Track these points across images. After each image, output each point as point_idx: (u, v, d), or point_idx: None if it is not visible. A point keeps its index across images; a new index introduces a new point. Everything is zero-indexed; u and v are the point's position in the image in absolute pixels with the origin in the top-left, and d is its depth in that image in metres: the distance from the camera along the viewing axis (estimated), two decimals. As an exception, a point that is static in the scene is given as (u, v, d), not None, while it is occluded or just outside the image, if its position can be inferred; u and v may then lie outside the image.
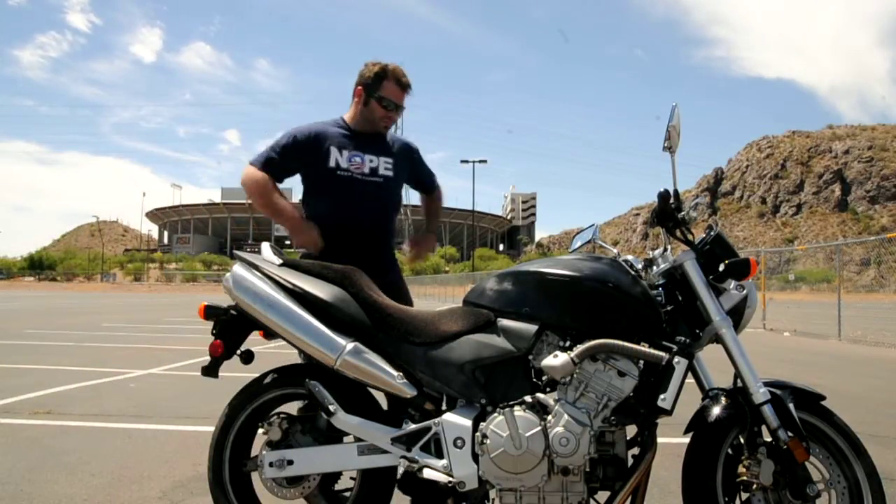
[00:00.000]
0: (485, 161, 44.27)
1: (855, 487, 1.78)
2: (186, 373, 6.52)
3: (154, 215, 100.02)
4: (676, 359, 1.73)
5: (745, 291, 1.85)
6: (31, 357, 7.39)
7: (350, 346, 1.87)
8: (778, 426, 1.74)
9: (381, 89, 2.45)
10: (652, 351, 1.75)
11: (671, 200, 1.94)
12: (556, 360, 1.75)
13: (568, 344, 1.81)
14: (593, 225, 2.24)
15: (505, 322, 1.86)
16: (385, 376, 1.86)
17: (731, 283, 1.86)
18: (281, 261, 2.06)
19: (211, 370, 2.07)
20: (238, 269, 2.04)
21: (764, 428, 1.78)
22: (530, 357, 1.83)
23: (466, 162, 44.16)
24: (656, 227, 2.00)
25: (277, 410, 2.04)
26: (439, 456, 1.81)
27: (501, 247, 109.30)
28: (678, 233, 1.97)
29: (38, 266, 76.87)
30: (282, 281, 1.98)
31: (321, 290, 1.96)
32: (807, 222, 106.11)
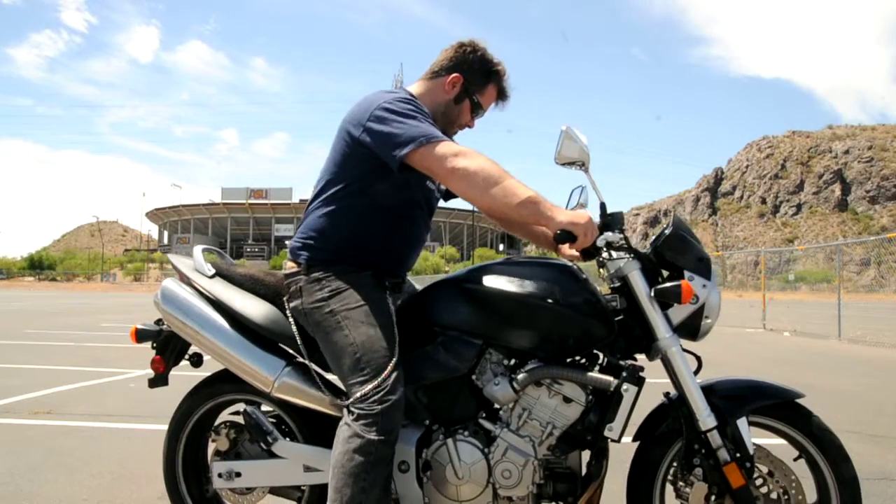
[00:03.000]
0: (485, 161, 44.11)
1: (824, 495, 1.70)
2: (186, 373, 6.49)
3: (154, 215, 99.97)
4: (625, 386, 1.62)
5: (697, 304, 1.66)
6: (31, 357, 7.39)
7: (286, 367, 1.79)
8: (717, 449, 1.65)
9: (483, 92, 1.89)
10: (599, 377, 1.65)
11: (607, 212, 1.75)
12: (496, 387, 1.68)
13: (513, 363, 1.71)
14: (581, 187, 1.93)
15: (446, 338, 1.73)
16: (324, 398, 1.75)
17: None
18: (213, 271, 1.95)
19: (157, 382, 2.06)
20: (168, 284, 1.96)
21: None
22: (473, 377, 1.72)
23: (466, 162, 43.97)
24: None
25: (235, 409, 2.00)
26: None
27: (501, 247, 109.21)
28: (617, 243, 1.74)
29: (38, 266, 76.86)
30: (212, 297, 1.89)
31: (253, 307, 1.85)
32: (807, 222, 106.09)
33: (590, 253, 1.74)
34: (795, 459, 1.76)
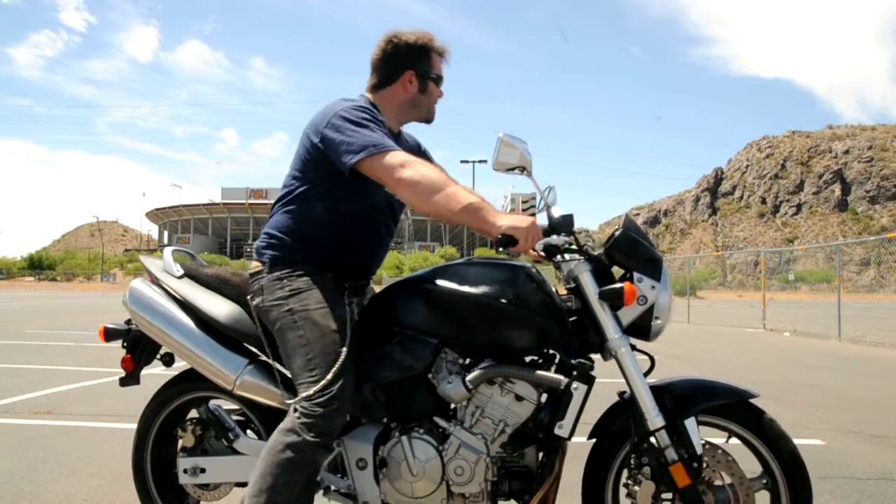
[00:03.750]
0: (485, 161, 44.14)
1: (774, 496, 1.71)
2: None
3: (154, 215, 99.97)
4: (575, 384, 1.64)
5: (646, 304, 1.67)
6: (31, 357, 7.39)
7: (248, 365, 1.83)
8: (664, 448, 1.66)
9: (433, 66, 1.93)
10: (550, 375, 1.67)
11: (554, 216, 1.78)
12: (450, 386, 1.71)
13: (468, 362, 1.74)
14: (549, 187, 1.92)
15: (403, 337, 1.76)
16: (284, 396, 1.78)
17: (638, 292, 1.67)
18: (181, 272, 2.00)
19: (128, 381, 2.09)
20: (137, 284, 2.01)
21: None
22: (429, 376, 1.74)
23: (466, 162, 44.12)
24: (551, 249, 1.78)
25: (206, 407, 2.03)
26: (344, 475, 1.78)
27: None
28: (568, 244, 1.76)
29: (38, 266, 76.86)
30: (178, 297, 1.94)
31: (218, 306, 1.89)
32: (807, 222, 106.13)
33: (551, 254, 1.76)
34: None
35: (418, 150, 2.09)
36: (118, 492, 2.81)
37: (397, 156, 1.65)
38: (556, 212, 1.80)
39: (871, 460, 3.47)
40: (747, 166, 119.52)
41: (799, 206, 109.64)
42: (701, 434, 1.71)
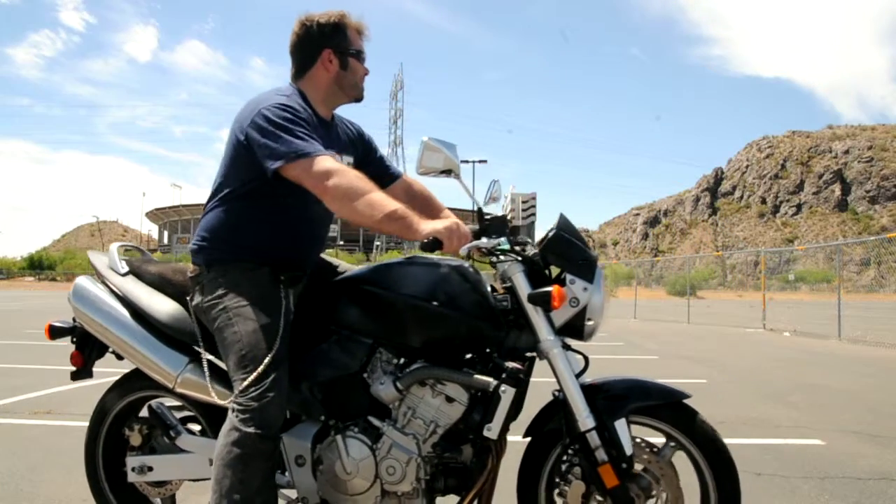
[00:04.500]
0: (485, 161, 44.20)
1: (704, 496, 1.72)
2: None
3: (154, 215, 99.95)
4: (503, 387, 1.65)
5: (578, 307, 1.67)
6: (31, 357, 7.39)
7: (189, 364, 1.85)
8: (594, 449, 1.67)
9: (350, 41, 1.89)
10: (479, 378, 1.67)
11: (486, 217, 1.78)
12: (382, 386, 1.73)
13: (402, 362, 1.75)
14: (494, 181, 1.92)
15: (340, 336, 1.78)
16: (224, 393, 1.79)
17: (569, 293, 1.67)
18: (126, 269, 2.01)
19: (79, 375, 2.12)
20: (81, 281, 2.04)
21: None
22: (365, 375, 1.76)
23: (466, 162, 44.06)
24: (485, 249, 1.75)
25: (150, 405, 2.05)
26: (283, 472, 1.80)
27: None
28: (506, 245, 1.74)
29: (38, 266, 76.87)
30: (121, 294, 1.95)
31: (159, 304, 1.91)
32: (807, 222, 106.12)
33: (489, 254, 1.75)
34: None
35: (360, 140, 2.06)
36: (118, 492, 2.81)
37: (321, 163, 1.64)
38: (515, 216, 1.80)
39: (871, 460, 3.47)
40: (747, 166, 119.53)
41: (799, 206, 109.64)
42: (647, 436, 1.74)
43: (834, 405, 5.18)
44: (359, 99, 1.96)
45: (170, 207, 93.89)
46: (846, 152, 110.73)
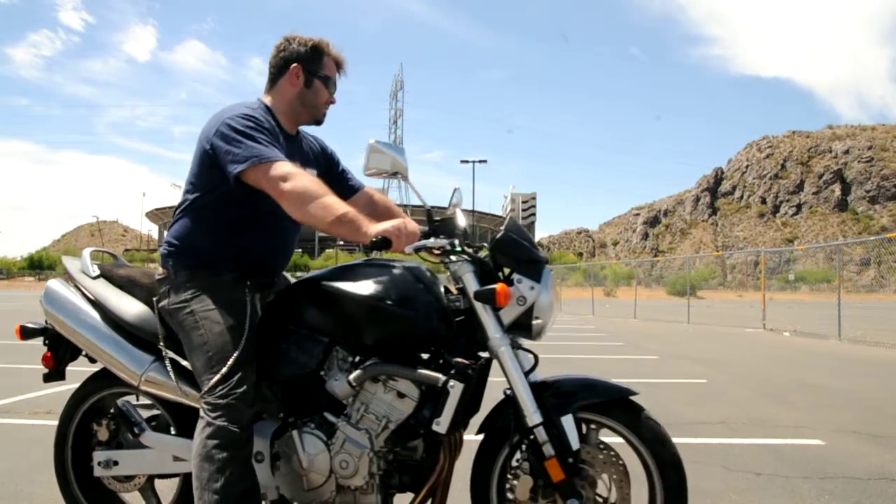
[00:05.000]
0: (485, 161, 44.35)
1: (651, 492, 1.75)
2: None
3: (154, 215, 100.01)
4: (451, 382, 1.69)
5: (525, 305, 1.71)
6: (30, 357, 7.37)
7: (153, 363, 1.92)
8: (542, 444, 1.71)
9: (323, 67, 1.98)
10: (428, 374, 1.72)
11: (435, 218, 1.82)
12: (336, 383, 1.78)
13: (357, 360, 1.80)
14: (456, 189, 1.97)
15: (298, 335, 1.83)
16: (187, 391, 1.85)
17: (517, 292, 1.71)
18: (97, 272, 2.08)
19: (52, 377, 2.18)
20: (52, 284, 2.10)
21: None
22: (322, 373, 1.81)
23: (466, 162, 44.21)
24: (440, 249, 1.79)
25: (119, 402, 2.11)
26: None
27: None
28: (454, 246, 1.78)
29: (38, 266, 76.85)
30: (90, 296, 2.02)
31: (127, 306, 1.98)
32: (807, 222, 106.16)
33: (444, 255, 1.79)
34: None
35: (323, 154, 2.15)
36: (118, 492, 2.81)
37: (278, 167, 1.71)
38: (459, 215, 1.86)
39: (871, 460, 3.47)
40: (747, 166, 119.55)
41: (799, 206, 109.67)
42: (600, 434, 1.79)
43: (834, 405, 5.18)
44: (318, 121, 2.04)
45: (170, 207, 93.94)
46: (846, 152, 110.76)
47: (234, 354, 1.73)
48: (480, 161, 44.23)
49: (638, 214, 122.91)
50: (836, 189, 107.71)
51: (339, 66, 2.03)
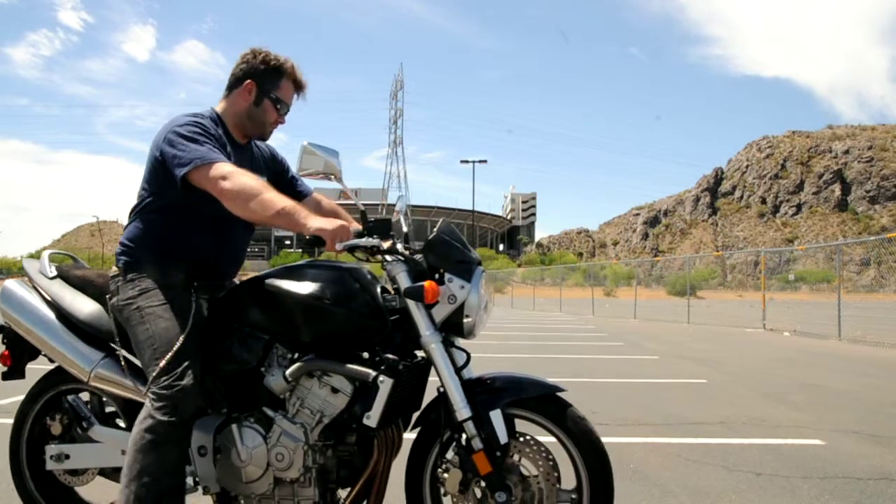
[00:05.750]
0: (485, 161, 44.39)
1: (578, 485, 1.79)
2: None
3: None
4: (381, 378, 1.75)
5: (455, 303, 1.78)
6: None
7: (103, 359, 1.99)
8: (471, 438, 1.76)
9: (278, 88, 2.04)
10: (358, 369, 1.78)
11: (369, 219, 1.88)
12: (273, 378, 1.85)
13: (296, 356, 1.86)
14: (400, 196, 2.15)
15: (242, 333, 1.91)
16: (135, 387, 1.92)
17: (447, 291, 1.78)
18: (54, 273, 2.16)
19: (10, 375, 2.26)
20: (9, 284, 2.17)
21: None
22: (262, 369, 1.88)
23: (466, 162, 44.26)
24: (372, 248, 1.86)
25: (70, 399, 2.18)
26: (190, 463, 1.89)
27: (501, 247, 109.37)
28: (391, 246, 1.87)
29: (38, 266, 76.97)
30: (46, 295, 2.10)
31: (80, 305, 2.06)
32: (807, 222, 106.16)
33: (379, 253, 1.87)
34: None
35: (273, 160, 2.23)
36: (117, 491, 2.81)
37: (219, 168, 1.79)
38: (399, 220, 1.97)
39: (871, 460, 3.47)
40: (747, 166, 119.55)
41: (799, 206, 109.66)
42: (531, 431, 1.83)
43: (834, 405, 5.19)
44: (263, 138, 2.14)
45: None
46: (846, 152, 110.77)
47: (176, 346, 1.80)
48: (480, 161, 44.29)
49: (638, 214, 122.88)
50: (836, 189, 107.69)
51: (298, 89, 2.10)
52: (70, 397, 2.16)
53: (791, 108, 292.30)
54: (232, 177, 1.78)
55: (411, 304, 1.79)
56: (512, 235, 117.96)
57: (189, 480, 1.90)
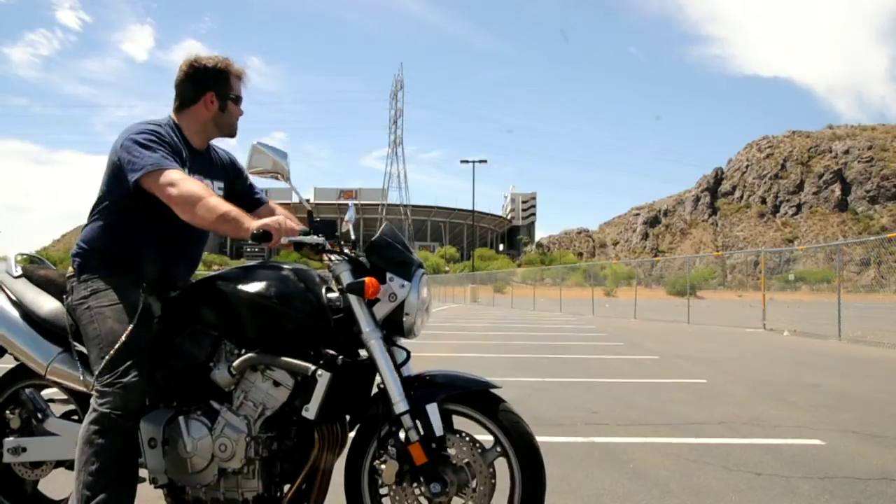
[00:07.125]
0: (485, 161, 44.45)
1: (511, 478, 1.85)
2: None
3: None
4: (319, 372, 1.82)
5: (395, 302, 1.86)
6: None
7: (60, 354, 2.06)
8: (407, 430, 1.83)
9: (232, 88, 2.15)
10: (297, 363, 1.85)
11: (316, 218, 1.95)
12: (218, 372, 1.93)
13: (243, 352, 1.92)
14: (352, 204, 2.26)
15: (192, 330, 1.99)
16: (87, 382, 1.97)
17: (388, 289, 1.86)
18: (20, 273, 2.24)
19: None
20: None
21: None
22: (211, 364, 1.95)
23: (466, 162, 44.31)
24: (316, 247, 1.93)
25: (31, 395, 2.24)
26: (139, 454, 1.96)
27: (501, 247, 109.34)
28: (336, 246, 1.94)
29: (38, 266, 76.85)
30: (10, 294, 2.19)
31: (41, 303, 2.14)
32: (807, 222, 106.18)
33: (324, 251, 1.94)
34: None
35: (232, 167, 2.31)
36: (118, 492, 2.81)
37: (169, 175, 1.88)
38: (347, 226, 2.07)
39: (871, 460, 3.47)
40: (747, 166, 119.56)
41: (799, 206, 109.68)
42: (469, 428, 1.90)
43: (834, 405, 5.18)
44: (231, 135, 2.24)
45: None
46: (846, 152, 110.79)
47: (117, 346, 1.87)
48: (480, 161, 44.32)
49: (638, 214, 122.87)
50: (836, 189, 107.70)
51: (241, 78, 2.19)
52: (28, 391, 2.23)
53: (791, 108, 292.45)
54: (179, 183, 1.86)
55: (353, 300, 1.86)
56: (512, 235, 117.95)
57: (142, 472, 1.95)
